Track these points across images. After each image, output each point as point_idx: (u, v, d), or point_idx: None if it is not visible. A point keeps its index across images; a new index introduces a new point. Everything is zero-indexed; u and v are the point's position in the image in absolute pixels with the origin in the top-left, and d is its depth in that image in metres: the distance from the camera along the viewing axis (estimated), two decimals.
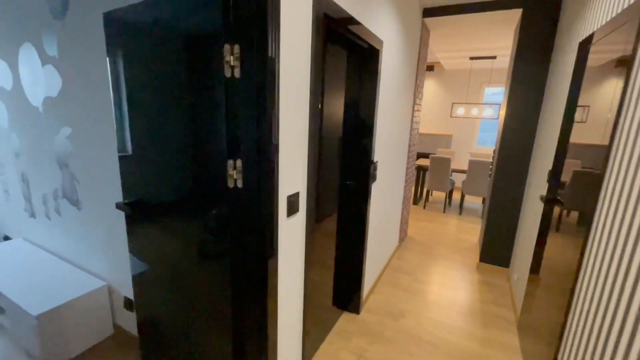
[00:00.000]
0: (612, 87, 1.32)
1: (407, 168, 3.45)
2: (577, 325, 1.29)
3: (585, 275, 1.29)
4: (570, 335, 1.35)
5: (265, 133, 1.05)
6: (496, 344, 2.09)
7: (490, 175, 4.19)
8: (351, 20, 1.58)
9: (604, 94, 1.42)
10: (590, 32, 1.64)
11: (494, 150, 3.53)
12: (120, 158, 1.49)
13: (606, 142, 1.24)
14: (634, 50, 1.07)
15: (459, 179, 6.23)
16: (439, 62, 5.85)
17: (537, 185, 2.39)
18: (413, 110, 3.26)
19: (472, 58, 5.19)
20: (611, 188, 1.13)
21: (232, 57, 1.00)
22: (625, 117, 1.09)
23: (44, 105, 1.98)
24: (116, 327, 2.06)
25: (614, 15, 1.36)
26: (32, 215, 2.41)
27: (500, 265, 3.13)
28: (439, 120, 6.69)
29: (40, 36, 1.84)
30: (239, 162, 1.08)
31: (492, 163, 4.06)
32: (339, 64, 1.90)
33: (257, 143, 1.05)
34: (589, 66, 1.65)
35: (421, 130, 6.74)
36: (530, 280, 2.10)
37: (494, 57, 4.99)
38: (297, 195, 1.31)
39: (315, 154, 1.44)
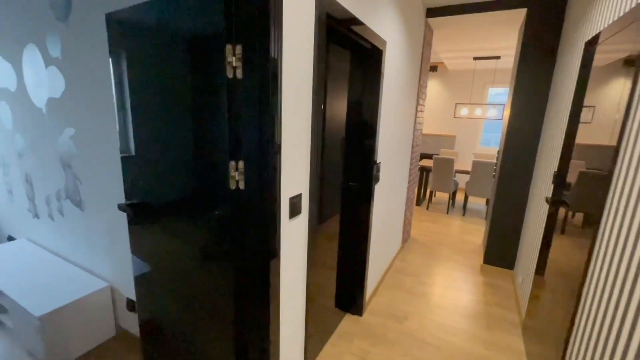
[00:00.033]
0: (618, 87, 1.30)
1: (410, 169, 3.43)
2: (585, 329, 1.27)
3: (593, 278, 1.27)
4: (578, 339, 1.33)
5: (268, 134, 1.04)
6: (500, 347, 2.07)
7: (494, 176, 4.16)
8: (354, 21, 1.57)
9: (610, 94, 1.40)
10: (597, 31, 1.61)
11: (498, 151, 3.50)
12: (122, 159, 1.49)
13: (613, 142, 1.22)
14: None
15: (462, 180, 6.19)
16: (442, 63, 5.82)
17: (542, 187, 2.37)
18: (416, 111, 3.25)
19: (475, 58, 5.16)
20: (619, 189, 1.11)
21: (234, 57, 1.00)
22: (633, 118, 1.07)
23: (47, 106, 1.99)
24: (118, 328, 2.06)
25: (620, 15, 1.33)
26: (36, 215, 2.42)
27: (504, 267, 3.10)
28: (442, 120, 6.66)
29: (44, 37, 1.85)
30: (241, 164, 1.07)
31: (496, 164, 4.03)
32: (341, 64, 1.89)
33: (260, 144, 1.05)
34: (594, 66, 1.63)
35: (424, 131, 6.71)
36: (535, 283, 2.08)
37: (497, 57, 4.96)
38: (299, 196, 1.30)
39: (317, 155, 1.43)
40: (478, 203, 5.66)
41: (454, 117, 5.86)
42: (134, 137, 1.42)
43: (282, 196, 1.18)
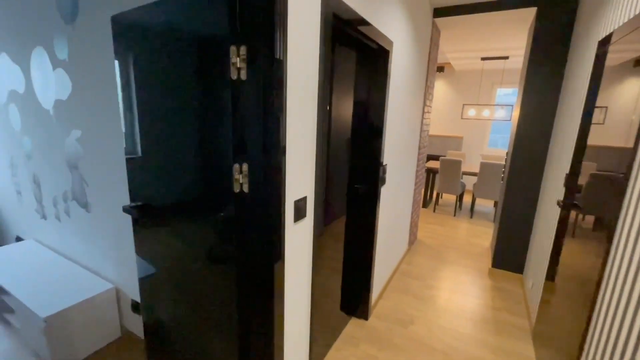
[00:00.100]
0: (631, 87, 1.26)
1: (417, 170, 3.39)
2: (601, 336, 1.23)
3: (608, 283, 1.22)
4: (592, 347, 1.29)
5: (272, 137, 1.03)
6: (510, 354, 2.02)
7: (502, 178, 4.10)
8: (361, 21, 1.55)
9: (623, 95, 1.36)
10: (610, 31, 1.57)
11: (507, 153, 3.45)
12: (127, 161, 1.48)
13: (629, 144, 1.17)
14: None
15: (469, 182, 6.12)
16: (449, 63, 5.76)
17: (552, 189, 2.32)
18: (423, 112, 3.21)
19: (483, 58, 5.09)
20: (637, 193, 1.07)
21: (238, 58, 0.98)
22: None
23: (54, 108, 2.00)
24: (124, 330, 2.06)
25: (631, 16, 1.29)
26: (43, 216, 2.43)
27: (513, 270, 3.04)
28: (449, 121, 6.59)
29: (51, 40, 1.86)
30: (245, 166, 1.05)
31: (504, 165, 3.96)
32: (347, 65, 1.87)
33: (264, 147, 1.03)
34: (606, 66, 1.59)
35: (431, 132, 6.65)
36: (545, 287, 2.03)
37: (506, 58, 4.89)
38: (304, 199, 1.28)
39: (323, 157, 1.41)
40: (486, 205, 5.58)
41: (461, 118, 5.79)
42: (139, 139, 1.41)
43: (287, 199, 1.16)
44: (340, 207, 2.06)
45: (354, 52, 1.91)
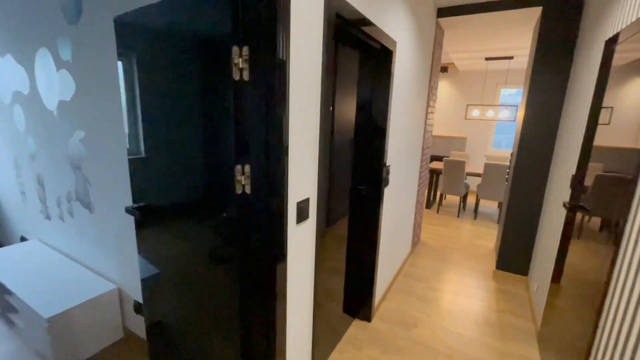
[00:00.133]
0: (639, 87, 1.23)
1: (421, 171, 3.37)
2: (608, 341, 1.20)
3: (617, 286, 1.20)
4: (600, 351, 1.26)
5: (275, 138, 1.02)
6: (515, 357, 1.99)
7: (507, 179, 4.06)
8: (364, 21, 1.54)
9: (629, 95, 1.34)
10: (617, 30, 1.55)
11: (512, 154, 3.41)
12: (130, 161, 1.48)
13: (635, 144, 1.15)
14: None
15: (473, 183, 6.08)
16: (453, 63, 5.73)
17: (558, 190, 2.29)
18: (427, 112, 3.19)
19: (487, 59, 5.06)
20: None
21: (240, 59, 0.97)
22: None
23: (58, 109, 2.01)
24: (126, 330, 2.06)
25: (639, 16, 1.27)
26: (47, 217, 2.44)
27: (518, 273, 3.01)
28: (453, 122, 6.56)
29: (55, 41, 1.87)
30: (247, 168, 1.05)
31: (509, 166, 3.93)
32: (350, 65, 1.86)
33: (266, 148, 1.02)
34: (613, 65, 1.57)
35: (435, 133, 6.62)
36: (551, 290, 2.00)
37: (510, 58, 4.85)
38: (307, 201, 1.27)
39: (326, 158, 1.40)
40: (490, 206, 5.54)
41: (465, 119, 5.75)
42: (142, 140, 1.41)
43: (289, 201, 1.15)
44: (343, 208, 2.04)
45: (357, 52, 1.89)
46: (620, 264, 1.19)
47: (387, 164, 2.16)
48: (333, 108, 1.68)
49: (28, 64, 2.13)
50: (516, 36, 3.64)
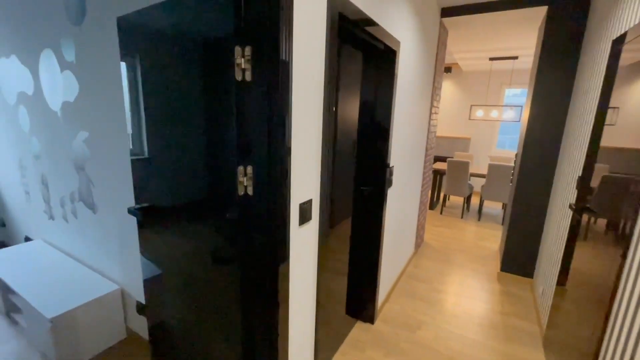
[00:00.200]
0: None
1: (424, 172, 3.34)
2: (617, 346, 1.18)
3: (625, 289, 1.18)
4: (608, 356, 1.24)
5: (277, 138, 1.01)
6: None
7: (511, 180, 4.03)
8: (367, 21, 1.52)
9: (636, 95, 1.32)
10: (624, 30, 1.53)
11: (516, 154, 3.38)
12: (132, 162, 1.48)
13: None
14: None
15: (477, 184, 6.04)
16: (457, 64, 5.70)
17: (563, 191, 2.26)
18: (430, 113, 3.17)
19: (491, 59, 5.02)
20: None
21: (242, 59, 0.97)
22: None
23: (62, 110, 2.01)
24: (129, 331, 2.06)
25: None
26: (51, 217, 2.45)
27: (522, 275, 2.98)
28: (457, 122, 6.52)
29: (59, 42, 1.88)
30: (249, 169, 1.04)
31: (513, 167, 3.90)
32: (354, 65, 1.85)
33: (269, 149, 1.01)
34: (619, 66, 1.55)
35: (438, 133, 6.58)
36: (557, 293, 1.98)
37: (515, 58, 4.82)
38: (309, 202, 1.26)
39: (329, 159, 1.39)
40: (494, 207, 5.50)
41: (469, 119, 5.72)
42: (145, 141, 1.41)
43: (292, 202, 1.14)
44: (346, 209, 2.03)
45: (361, 52, 1.88)
46: (629, 266, 1.17)
47: (391, 165, 2.14)
48: (336, 108, 1.67)
49: (33, 65, 2.15)
50: (521, 36, 3.61)
